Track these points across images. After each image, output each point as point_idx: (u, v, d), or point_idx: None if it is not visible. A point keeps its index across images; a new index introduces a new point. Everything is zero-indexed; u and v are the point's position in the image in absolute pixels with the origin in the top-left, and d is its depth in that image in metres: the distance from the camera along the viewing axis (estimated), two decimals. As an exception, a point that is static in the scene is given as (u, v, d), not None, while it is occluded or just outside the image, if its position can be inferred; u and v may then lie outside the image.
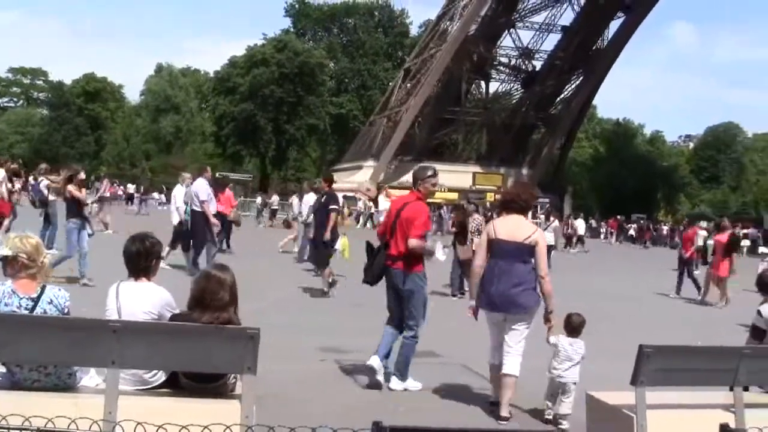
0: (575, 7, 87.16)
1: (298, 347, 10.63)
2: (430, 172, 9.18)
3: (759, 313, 7.21)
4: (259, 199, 60.02)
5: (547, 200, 64.89)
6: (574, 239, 47.37)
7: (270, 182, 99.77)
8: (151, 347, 5.09)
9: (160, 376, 5.69)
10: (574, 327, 8.10)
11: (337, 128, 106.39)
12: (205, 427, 3.54)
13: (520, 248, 8.09)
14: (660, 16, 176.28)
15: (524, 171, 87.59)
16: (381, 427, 3.25)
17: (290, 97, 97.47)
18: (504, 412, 7.75)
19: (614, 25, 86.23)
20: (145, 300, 5.89)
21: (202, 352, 5.19)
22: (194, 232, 18.31)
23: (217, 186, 22.87)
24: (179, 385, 5.62)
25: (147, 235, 6.31)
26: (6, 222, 20.41)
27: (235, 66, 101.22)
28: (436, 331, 10.47)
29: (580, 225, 48.26)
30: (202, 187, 18.34)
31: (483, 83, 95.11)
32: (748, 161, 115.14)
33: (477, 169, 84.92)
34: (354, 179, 77.73)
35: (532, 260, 8.15)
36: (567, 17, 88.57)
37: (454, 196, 66.72)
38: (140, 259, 6.10)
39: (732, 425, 5.16)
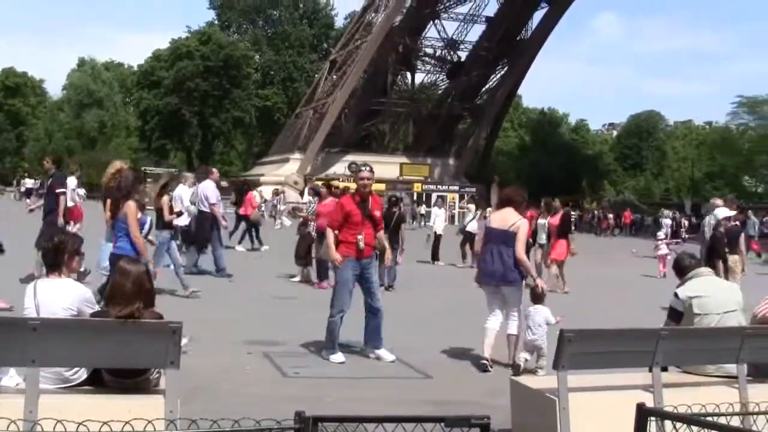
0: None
1: (225, 341, 10.58)
2: (360, 168, 10.40)
3: (676, 295, 7.37)
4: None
5: (473, 190, 65.39)
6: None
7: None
8: (73, 344, 5.03)
9: (82, 374, 5.61)
10: (537, 296, 10.02)
11: (262, 121, 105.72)
12: (127, 422, 3.52)
13: (506, 233, 9.88)
14: (584, 7, 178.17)
15: (451, 161, 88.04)
16: (303, 418, 3.27)
17: (215, 90, 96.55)
18: (513, 359, 9.79)
19: (538, 16, 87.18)
20: (63, 296, 5.81)
21: (124, 348, 5.14)
22: (197, 233, 17.99)
23: (242, 188, 23.41)
24: (102, 382, 5.55)
25: (58, 231, 6.28)
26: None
27: (159, 59, 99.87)
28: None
29: None
30: (211, 189, 18.11)
31: (409, 74, 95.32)
32: (670, 148, 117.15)
33: (404, 159, 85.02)
34: (281, 172, 77.46)
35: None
36: (491, 8, 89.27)
37: (382, 187, 66.85)
38: (48, 256, 6.10)
39: (651, 404, 5.30)
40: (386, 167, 76.27)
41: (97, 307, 5.84)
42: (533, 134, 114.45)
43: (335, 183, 25.22)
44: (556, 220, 19.49)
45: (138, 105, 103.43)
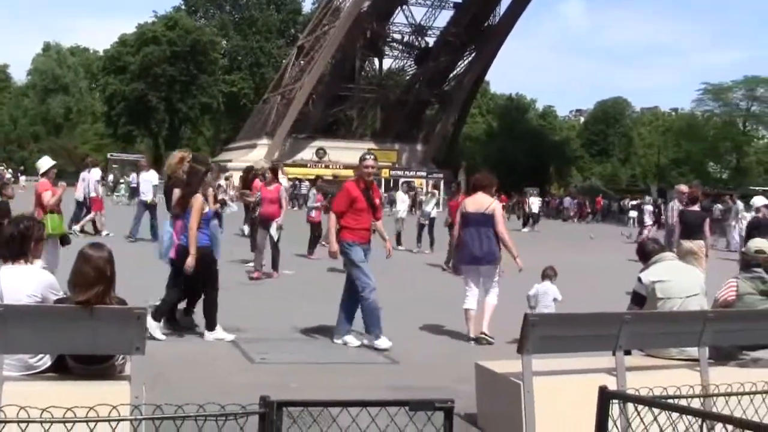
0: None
1: (192, 327, 10.55)
2: (363, 156, 10.56)
3: (639, 279, 7.44)
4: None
5: (441, 176, 65.48)
6: (529, 218, 44.25)
7: (163, 162, 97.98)
8: (38, 331, 5.00)
9: (46, 361, 5.57)
10: (546, 275, 10.48)
11: (229, 107, 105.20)
12: (91, 408, 3.51)
13: (484, 216, 10.58)
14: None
15: (419, 147, 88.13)
16: (268, 402, 3.27)
17: (182, 75, 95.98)
18: (486, 330, 10.33)
19: (506, 2, 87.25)
20: (27, 283, 5.75)
21: (89, 334, 5.12)
22: None
23: (247, 175, 23.51)
24: (66, 368, 5.52)
25: (23, 218, 6.18)
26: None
27: (125, 44, 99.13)
28: (333, 307, 10.50)
29: (534, 203, 46.09)
30: None
31: (376, 60, 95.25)
32: (636, 135, 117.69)
33: (372, 145, 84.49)
34: (248, 158, 77.03)
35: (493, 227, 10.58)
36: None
37: (350, 172, 66.63)
38: (14, 243, 5.98)
39: (614, 388, 5.36)
40: (354, 153, 75.89)
41: (61, 294, 5.79)
42: (501, 120, 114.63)
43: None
44: None
45: (104, 91, 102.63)
